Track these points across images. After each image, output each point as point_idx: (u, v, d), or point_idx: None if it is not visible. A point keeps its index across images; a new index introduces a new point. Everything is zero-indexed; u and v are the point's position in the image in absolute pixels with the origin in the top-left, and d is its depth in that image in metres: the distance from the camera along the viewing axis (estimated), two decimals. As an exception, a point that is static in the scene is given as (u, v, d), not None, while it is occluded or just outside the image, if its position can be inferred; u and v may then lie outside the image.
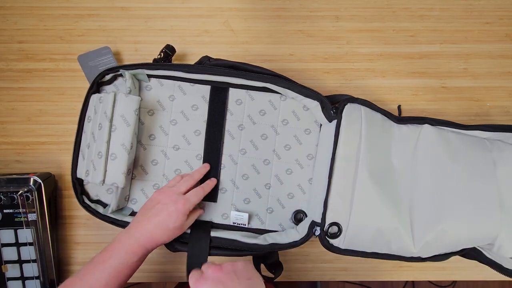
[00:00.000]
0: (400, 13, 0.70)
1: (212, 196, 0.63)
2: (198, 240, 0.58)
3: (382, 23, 0.70)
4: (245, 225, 0.62)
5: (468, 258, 0.61)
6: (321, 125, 0.64)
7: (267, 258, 0.62)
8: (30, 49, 0.68)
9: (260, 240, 0.59)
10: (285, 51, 0.69)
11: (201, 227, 0.60)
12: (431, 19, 0.70)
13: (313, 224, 0.58)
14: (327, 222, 0.55)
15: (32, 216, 0.60)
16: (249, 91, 0.63)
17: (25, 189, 0.59)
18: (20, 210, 0.59)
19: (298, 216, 0.63)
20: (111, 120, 0.56)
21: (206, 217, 0.63)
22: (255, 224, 0.63)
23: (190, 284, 0.43)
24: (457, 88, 0.69)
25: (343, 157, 0.57)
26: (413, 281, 1.39)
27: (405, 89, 0.69)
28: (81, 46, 0.68)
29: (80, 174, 0.59)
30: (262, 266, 0.62)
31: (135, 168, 0.63)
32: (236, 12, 0.70)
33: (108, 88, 0.62)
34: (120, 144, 0.56)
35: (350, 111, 0.59)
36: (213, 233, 0.59)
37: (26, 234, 0.60)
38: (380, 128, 0.60)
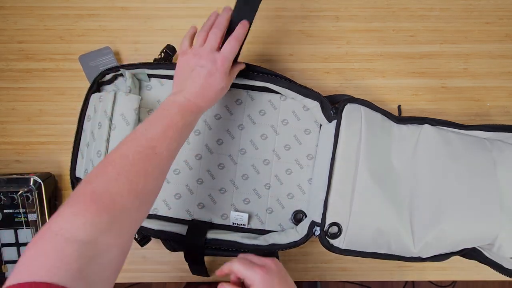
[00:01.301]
0: (400, 13, 0.70)
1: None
2: (193, 239, 0.58)
3: (382, 23, 0.70)
4: (244, 225, 0.62)
5: (468, 258, 0.61)
6: (321, 125, 0.64)
7: (267, 258, 0.62)
8: (30, 49, 0.68)
9: (260, 241, 0.59)
10: (285, 51, 0.69)
11: (198, 226, 0.60)
12: (431, 19, 0.70)
13: (313, 224, 0.58)
14: (327, 222, 0.55)
15: (32, 216, 0.60)
16: (249, 91, 0.63)
17: (25, 189, 0.59)
18: (20, 210, 0.60)
19: (298, 216, 0.63)
20: (110, 119, 0.56)
21: (205, 217, 0.63)
22: (254, 225, 0.63)
23: None
24: (457, 88, 0.69)
25: (343, 157, 0.57)
26: (413, 281, 1.39)
27: (405, 89, 0.69)
28: (81, 46, 0.68)
29: (79, 173, 0.59)
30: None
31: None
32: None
33: (108, 87, 0.62)
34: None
35: (350, 111, 0.59)
36: (213, 235, 0.59)
37: (26, 234, 0.60)
38: (380, 128, 0.60)
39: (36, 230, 0.60)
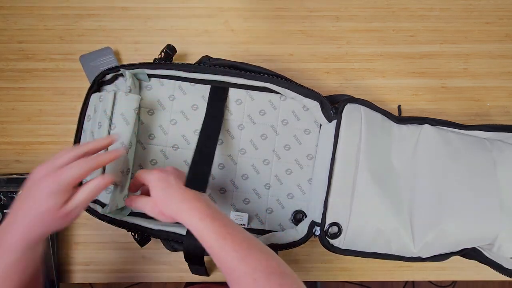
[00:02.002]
0: (400, 13, 0.70)
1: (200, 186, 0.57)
2: (193, 239, 0.58)
3: (382, 23, 0.70)
4: (245, 225, 0.62)
5: (468, 258, 0.61)
6: (321, 125, 0.64)
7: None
8: (30, 49, 0.68)
9: (260, 241, 0.59)
10: (285, 51, 0.69)
11: None
12: (431, 19, 0.70)
13: (313, 224, 0.58)
14: (327, 222, 0.55)
15: None
16: (249, 91, 0.63)
17: None
18: None
19: (298, 216, 0.63)
20: (110, 119, 0.56)
21: (206, 217, 0.63)
22: (254, 225, 0.63)
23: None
24: (457, 88, 0.69)
25: (343, 157, 0.57)
26: (413, 281, 1.39)
27: (405, 89, 0.69)
28: (81, 46, 0.68)
29: (80, 174, 0.59)
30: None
31: (134, 168, 0.63)
32: (236, 12, 0.70)
33: (108, 87, 0.62)
34: (119, 143, 0.56)
35: (350, 111, 0.59)
36: (213, 233, 0.59)
37: None
38: (380, 128, 0.60)
39: None
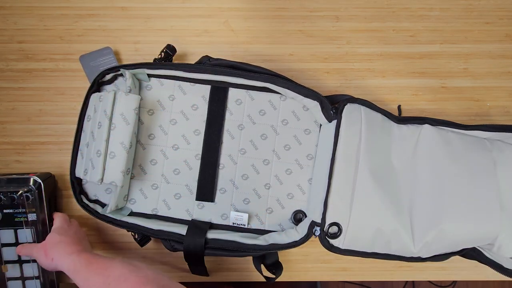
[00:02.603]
0: (400, 13, 0.70)
1: (208, 195, 0.62)
2: (193, 239, 0.58)
3: (382, 23, 0.70)
4: (244, 225, 0.62)
5: (468, 258, 0.61)
6: (321, 125, 0.64)
7: (266, 258, 0.62)
8: (30, 49, 0.68)
9: (260, 241, 0.59)
10: (285, 51, 0.69)
11: (198, 226, 0.60)
12: (431, 19, 0.70)
13: (313, 224, 0.58)
14: (327, 222, 0.55)
15: (32, 216, 0.60)
16: (249, 91, 0.63)
17: (25, 189, 0.59)
18: (20, 210, 0.59)
19: (298, 216, 0.63)
20: (110, 119, 0.56)
21: (205, 218, 0.63)
22: (254, 225, 0.63)
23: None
24: (457, 88, 0.69)
25: (343, 157, 0.57)
26: (413, 281, 1.39)
27: (405, 89, 0.69)
28: (81, 46, 0.68)
29: (79, 173, 0.59)
30: (262, 266, 0.62)
31: (134, 168, 0.63)
32: (236, 12, 0.70)
33: (108, 87, 0.62)
34: (119, 143, 0.56)
35: (350, 111, 0.59)
36: (213, 235, 0.59)
37: (26, 234, 0.60)
38: (380, 128, 0.60)
39: (36, 230, 0.60)
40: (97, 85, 0.61)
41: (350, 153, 0.57)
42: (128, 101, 0.57)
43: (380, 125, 0.60)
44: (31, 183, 0.60)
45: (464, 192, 0.57)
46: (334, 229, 0.56)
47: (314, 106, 0.61)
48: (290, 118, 0.64)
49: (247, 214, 0.62)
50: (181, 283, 0.75)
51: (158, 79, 0.63)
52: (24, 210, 0.59)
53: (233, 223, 0.62)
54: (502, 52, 0.70)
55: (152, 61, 0.63)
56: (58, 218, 0.60)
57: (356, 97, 0.61)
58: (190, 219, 0.63)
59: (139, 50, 0.69)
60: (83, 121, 0.60)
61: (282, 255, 0.65)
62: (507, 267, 0.58)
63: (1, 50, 0.68)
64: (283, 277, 0.65)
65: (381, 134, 0.59)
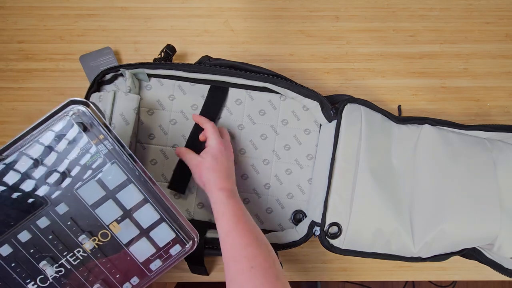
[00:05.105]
0: (400, 13, 0.70)
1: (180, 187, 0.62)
2: None
3: (382, 23, 0.70)
4: (244, 225, 0.62)
5: (468, 258, 0.61)
6: (320, 125, 0.64)
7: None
8: (30, 49, 0.68)
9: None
10: (285, 51, 0.69)
11: (198, 226, 0.60)
12: (431, 19, 0.70)
13: (312, 224, 0.58)
14: (327, 222, 0.55)
15: (105, 146, 0.53)
16: (249, 91, 0.63)
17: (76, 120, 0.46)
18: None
19: (298, 216, 0.63)
20: (110, 119, 0.56)
21: (205, 217, 0.63)
22: (254, 224, 0.63)
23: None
24: (457, 88, 0.69)
25: (343, 157, 0.57)
26: (413, 281, 1.39)
27: (405, 89, 0.69)
28: (81, 46, 0.68)
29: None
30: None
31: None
32: (236, 12, 0.70)
33: (108, 87, 0.62)
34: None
35: (350, 111, 0.59)
36: (213, 235, 0.59)
37: (112, 174, 0.48)
38: (380, 128, 0.60)
39: (120, 162, 0.44)
40: (97, 85, 0.61)
41: (350, 153, 0.57)
42: (127, 101, 0.57)
43: (380, 125, 0.60)
44: (75, 110, 0.42)
45: (464, 192, 0.57)
46: (334, 229, 0.56)
47: (314, 106, 0.61)
48: (290, 118, 0.64)
49: None
50: (181, 283, 0.75)
51: (158, 79, 0.63)
52: (88, 144, 0.42)
53: (233, 223, 0.62)
54: (502, 52, 0.70)
55: (152, 61, 0.63)
56: (214, 136, 0.56)
57: (356, 97, 0.61)
58: (190, 218, 0.63)
59: (139, 50, 0.69)
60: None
61: (282, 255, 0.65)
62: (507, 267, 0.58)
63: (1, 50, 0.68)
64: (283, 277, 0.65)
65: (381, 134, 0.59)
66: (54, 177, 0.41)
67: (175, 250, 0.46)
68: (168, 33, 0.69)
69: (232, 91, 0.63)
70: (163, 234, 0.45)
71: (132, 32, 0.69)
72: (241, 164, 0.63)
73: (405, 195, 0.58)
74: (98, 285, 0.43)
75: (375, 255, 0.58)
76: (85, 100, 0.42)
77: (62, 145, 0.41)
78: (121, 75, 0.61)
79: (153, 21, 0.69)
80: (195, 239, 0.47)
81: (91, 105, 0.42)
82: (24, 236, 0.40)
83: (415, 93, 0.69)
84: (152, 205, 0.44)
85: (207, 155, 0.55)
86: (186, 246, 0.46)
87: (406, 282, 1.38)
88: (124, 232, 0.43)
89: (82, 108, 0.41)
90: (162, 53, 0.63)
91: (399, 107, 0.68)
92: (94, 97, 0.59)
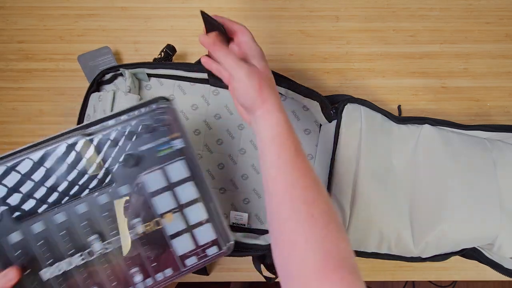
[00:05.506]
0: (400, 13, 0.70)
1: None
2: None
3: (382, 23, 0.70)
4: (244, 225, 0.62)
5: (468, 258, 0.61)
6: (321, 125, 0.64)
7: (266, 258, 0.62)
8: (30, 49, 0.68)
9: (260, 240, 0.59)
10: (285, 51, 0.69)
11: None
12: (431, 19, 0.70)
13: (313, 224, 0.57)
14: (327, 222, 0.55)
15: (178, 143, 0.53)
16: (249, 91, 0.63)
17: (158, 110, 0.47)
18: (161, 140, 0.49)
19: (298, 216, 0.63)
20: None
21: (206, 217, 0.63)
22: (254, 224, 0.63)
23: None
24: (457, 88, 0.69)
25: (343, 157, 0.57)
26: (413, 281, 1.39)
27: (405, 89, 0.69)
28: (81, 46, 0.68)
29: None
30: (262, 266, 0.62)
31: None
32: (236, 12, 0.70)
33: (108, 87, 0.62)
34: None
35: (350, 111, 0.59)
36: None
37: (179, 170, 0.47)
38: (380, 128, 0.60)
39: (188, 161, 0.45)
40: (96, 85, 0.61)
41: (350, 153, 0.57)
42: (127, 101, 0.57)
43: (380, 125, 0.60)
44: (161, 105, 0.44)
45: (464, 192, 0.57)
46: (334, 229, 0.56)
47: (314, 106, 0.61)
48: (290, 118, 0.63)
49: (247, 214, 0.62)
50: (181, 283, 0.75)
51: (157, 78, 0.63)
52: (165, 137, 0.44)
53: (233, 223, 0.62)
54: (502, 52, 0.70)
55: (151, 61, 0.63)
56: (248, 32, 0.43)
57: (356, 97, 0.61)
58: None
59: (139, 50, 0.69)
60: (83, 121, 0.60)
61: (282, 255, 0.65)
62: (507, 267, 0.58)
63: (1, 50, 0.68)
64: (283, 277, 0.65)
65: (381, 134, 0.59)
66: (128, 159, 0.43)
67: (212, 251, 0.47)
68: (168, 33, 0.69)
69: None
70: (206, 233, 0.46)
71: (132, 32, 0.69)
72: (241, 164, 0.63)
73: (405, 195, 0.58)
74: (136, 269, 0.44)
75: (375, 255, 0.58)
76: (168, 98, 0.45)
77: (143, 133, 0.44)
78: (121, 75, 0.61)
79: (153, 21, 0.69)
80: (231, 244, 0.47)
81: (173, 104, 0.45)
82: (81, 208, 0.42)
83: (415, 93, 0.69)
84: (204, 205, 0.45)
85: (257, 60, 0.42)
86: (223, 249, 0.47)
87: (406, 282, 1.38)
88: (173, 224, 0.45)
89: (166, 105, 0.44)
90: (162, 53, 0.63)
91: (399, 107, 0.68)
92: (94, 97, 0.59)
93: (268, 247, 0.58)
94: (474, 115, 0.69)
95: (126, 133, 0.43)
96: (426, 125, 0.61)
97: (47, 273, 0.41)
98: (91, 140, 0.42)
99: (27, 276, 0.41)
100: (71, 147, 0.42)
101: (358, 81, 0.69)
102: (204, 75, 0.60)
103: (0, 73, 0.68)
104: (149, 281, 0.44)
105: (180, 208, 0.45)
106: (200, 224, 0.46)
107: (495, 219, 0.56)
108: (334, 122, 0.59)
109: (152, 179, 0.44)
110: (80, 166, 0.42)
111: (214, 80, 0.59)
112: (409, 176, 0.59)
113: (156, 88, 0.63)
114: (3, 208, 0.40)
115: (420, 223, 0.56)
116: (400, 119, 0.62)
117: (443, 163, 0.58)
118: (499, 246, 0.56)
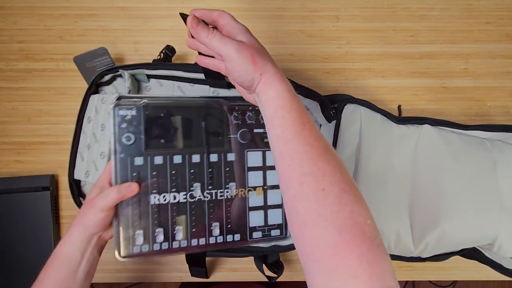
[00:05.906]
0: (400, 13, 0.70)
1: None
2: None
3: (382, 23, 0.70)
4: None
5: (468, 258, 0.61)
6: (320, 125, 0.64)
7: (268, 258, 0.62)
8: (30, 49, 0.68)
9: (264, 243, 0.59)
10: (285, 51, 0.69)
11: None
12: (431, 19, 0.70)
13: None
14: (327, 222, 0.55)
15: None
16: (249, 91, 0.63)
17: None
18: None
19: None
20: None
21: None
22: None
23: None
24: (457, 88, 0.69)
25: (342, 157, 0.57)
26: (413, 281, 1.39)
27: (405, 89, 0.69)
28: (81, 46, 0.68)
29: (79, 175, 0.59)
30: (263, 265, 0.62)
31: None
32: (236, 12, 0.69)
33: (107, 88, 0.62)
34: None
35: (349, 111, 0.59)
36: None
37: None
38: (380, 128, 0.60)
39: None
40: (95, 86, 0.60)
41: (350, 154, 0.57)
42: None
43: (380, 126, 0.60)
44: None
45: (464, 192, 0.57)
46: (334, 229, 0.56)
47: (314, 106, 0.60)
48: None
49: None
50: (181, 283, 0.75)
51: (157, 79, 0.63)
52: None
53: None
54: (502, 52, 0.70)
55: (151, 61, 0.63)
56: (228, 19, 0.43)
57: (356, 97, 0.61)
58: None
59: (139, 50, 0.69)
60: (82, 123, 0.60)
61: (283, 255, 0.65)
62: (507, 267, 0.58)
63: (1, 50, 0.68)
64: (284, 278, 0.65)
65: (381, 134, 0.59)
66: (245, 134, 0.53)
67: (275, 233, 0.55)
68: (168, 33, 0.69)
69: (231, 91, 0.63)
70: (277, 216, 0.55)
71: (132, 32, 0.69)
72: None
73: (405, 195, 0.58)
74: (216, 223, 0.51)
75: (375, 255, 0.58)
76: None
77: (262, 119, 0.53)
78: (120, 76, 0.61)
79: (153, 21, 0.69)
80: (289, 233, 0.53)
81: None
82: (195, 158, 0.51)
83: (415, 93, 0.69)
84: None
85: (243, 35, 0.41)
86: (284, 234, 0.55)
87: (406, 282, 1.38)
88: (256, 198, 0.53)
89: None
90: (162, 54, 0.63)
91: (399, 107, 0.68)
92: (95, 99, 0.59)
93: (270, 249, 0.58)
94: (474, 115, 0.69)
95: (250, 114, 0.54)
96: (426, 125, 0.61)
97: (154, 199, 0.49)
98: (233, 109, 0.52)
99: (138, 194, 0.48)
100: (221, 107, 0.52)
101: (358, 81, 0.69)
102: (203, 76, 0.60)
103: (0, 73, 0.68)
104: (220, 239, 0.52)
105: (265, 188, 0.54)
106: (275, 206, 0.55)
107: (495, 219, 0.56)
108: (334, 123, 0.59)
109: (253, 157, 0.54)
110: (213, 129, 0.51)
111: (212, 81, 0.59)
112: (409, 176, 0.59)
113: (156, 89, 0.63)
114: (142, 136, 0.48)
115: (420, 223, 0.56)
116: (400, 119, 0.62)
117: (443, 163, 0.58)
118: (499, 246, 0.57)
